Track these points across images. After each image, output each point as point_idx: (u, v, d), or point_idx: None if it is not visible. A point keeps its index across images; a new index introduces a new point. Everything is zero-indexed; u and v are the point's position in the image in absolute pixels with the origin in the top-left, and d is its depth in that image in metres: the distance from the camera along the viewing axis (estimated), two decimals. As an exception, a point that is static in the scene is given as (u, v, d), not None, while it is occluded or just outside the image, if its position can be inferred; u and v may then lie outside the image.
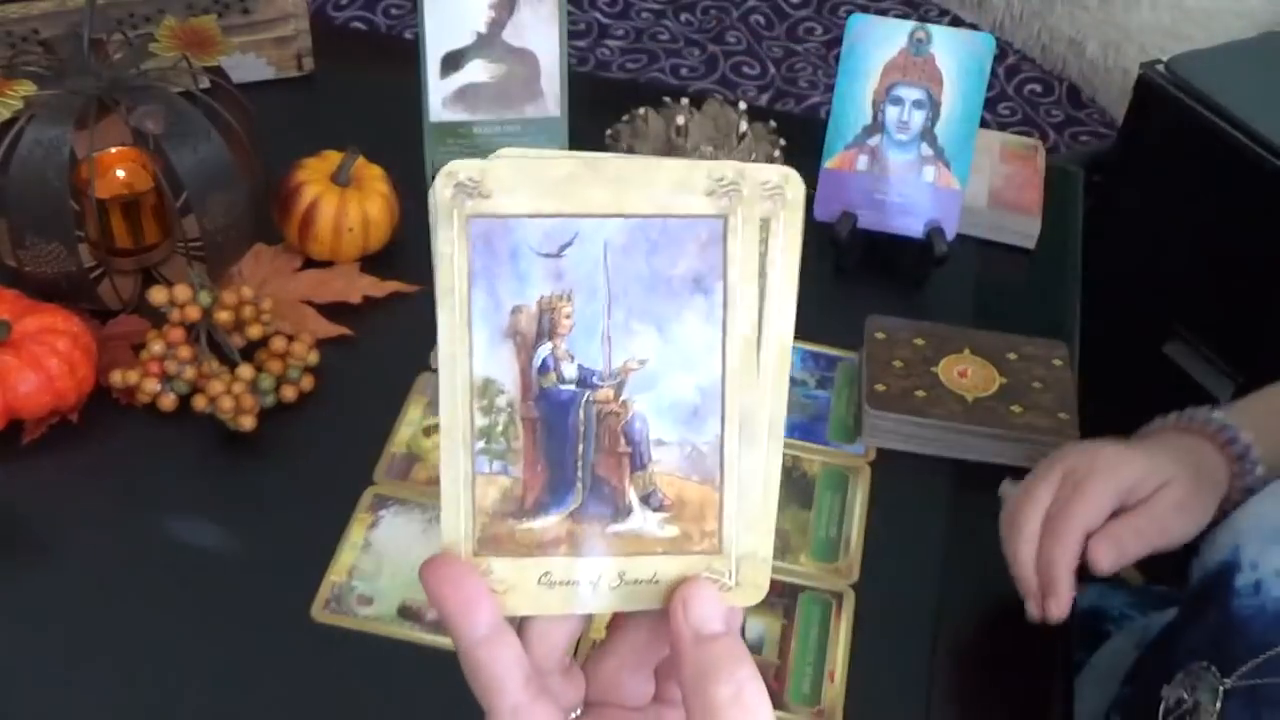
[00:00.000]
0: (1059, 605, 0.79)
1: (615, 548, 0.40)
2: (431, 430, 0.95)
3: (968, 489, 0.95)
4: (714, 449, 0.39)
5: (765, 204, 0.38)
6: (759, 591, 0.40)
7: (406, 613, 0.84)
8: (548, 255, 0.38)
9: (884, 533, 0.92)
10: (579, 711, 0.41)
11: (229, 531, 0.89)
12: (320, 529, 0.88)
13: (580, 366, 0.39)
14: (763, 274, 0.38)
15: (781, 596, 0.87)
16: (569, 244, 0.38)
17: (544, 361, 0.38)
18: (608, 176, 0.37)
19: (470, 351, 0.38)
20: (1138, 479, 0.81)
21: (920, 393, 0.97)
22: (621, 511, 0.40)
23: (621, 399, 0.39)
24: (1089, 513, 0.80)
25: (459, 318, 0.38)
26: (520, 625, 0.40)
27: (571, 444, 0.39)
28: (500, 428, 0.39)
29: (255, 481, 0.92)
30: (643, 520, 0.40)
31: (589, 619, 0.41)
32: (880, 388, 0.98)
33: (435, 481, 0.96)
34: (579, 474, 0.39)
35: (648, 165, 0.37)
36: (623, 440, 0.39)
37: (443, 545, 0.40)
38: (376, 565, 0.86)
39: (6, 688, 0.79)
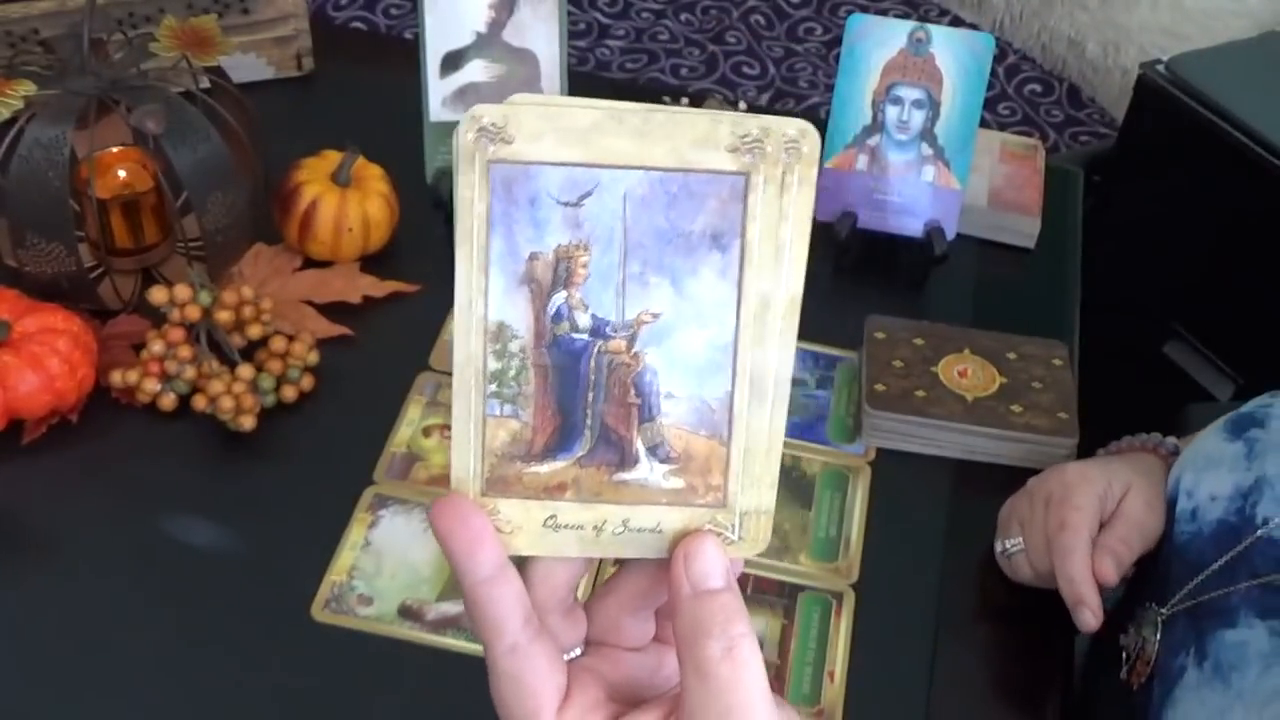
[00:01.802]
0: (1096, 614, 0.81)
1: (620, 496, 0.40)
2: (431, 430, 0.95)
3: (968, 489, 0.95)
4: (723, 405, 0.40)
5: (785, 160, 0.38)
6: (761, 544, 0.41)
7: (406, 613, 0.84)
8: (567, 204, 0.38)
9: (884, 533, 0.92)
10: (580, 650, 0.42)
11: (229, 531, 0.89)
12: (320, 529, 0.88)
13: (594, 316, 0.39)
14: (778, 230, 0.38)
15: (781, 596, 0.87)
16: (589, 193, 0.38)
17: (558, 309, 0.39)
18: (631, 128, 0.37)
19: (486, 295, 0.38)
20: (1105, 484, 0.85)
21: (920, 393, 0.97)
22: (628, 461, 0.40)
23: (633, 351, 0.39)
24: (1087, 520, 0.83)
25: (476, 262, 0.38)
26: (523, 565, 0.41)
27: (582, 392, 0.39)
28: (513, 372, 0.39)
29: (255, 481, 0.92)
30: (649, 471, 0.40)
31: (594, 562, 0.42)
32: (880, 388, 0.98)
33: (435, 481, 0.97)
34: (588, 422, 0.40)
35: (672, 118, 0.37)
36: (632, 391, 0.39)
37: (452, 484, 0.40)
38: (376, 565, 0.86)
39: (7, 687, 0.79)
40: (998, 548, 0.88)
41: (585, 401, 0.40)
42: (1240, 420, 0.84)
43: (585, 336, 0.39)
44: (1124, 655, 0.83)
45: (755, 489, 0.41)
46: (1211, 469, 0.82)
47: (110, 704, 0.79)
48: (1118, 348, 1.60)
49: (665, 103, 1.19)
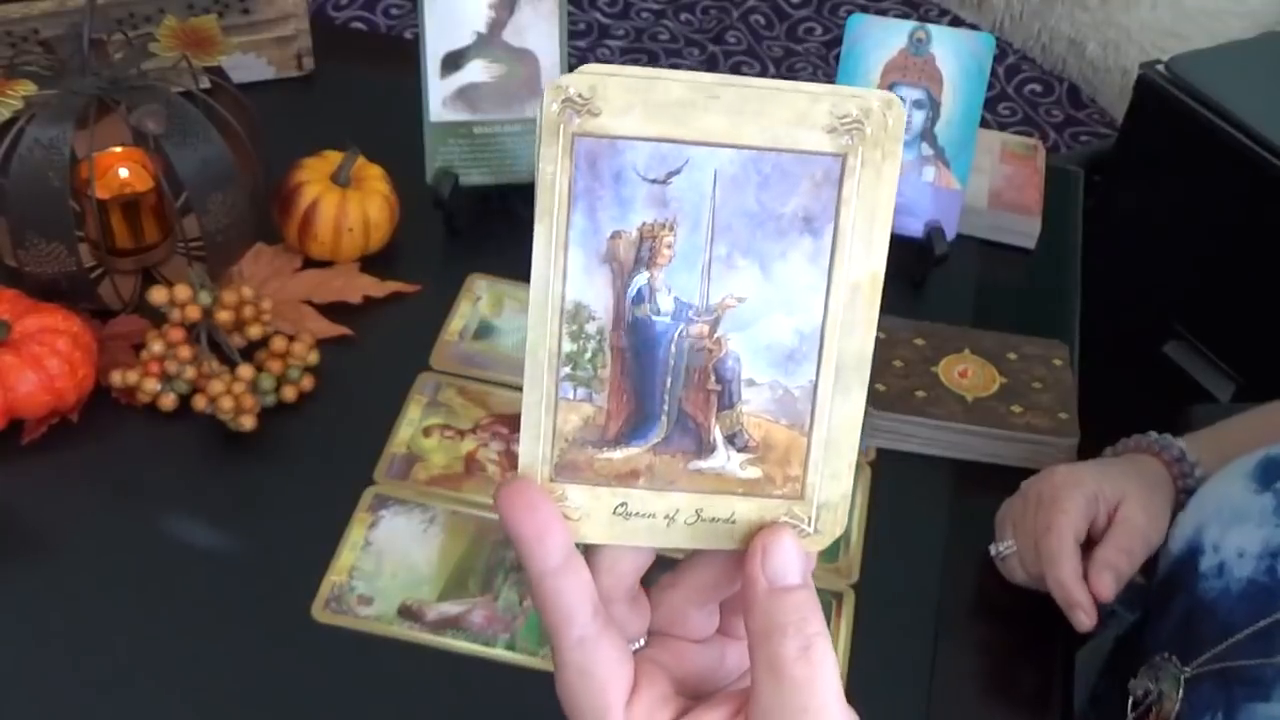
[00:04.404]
0: (1089, 616, 0.81)
1: (695, 484, 0.39)
2: (431, 430, 0.95)
3: (968, 489, 0.95)
4: (806, 394, 0.38)
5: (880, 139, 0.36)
6: (836, 535, 0.40)
7: (406, 613, 0.84)
8: (654, 181, 0.36)
9: (884, 533, 0.92)
10: (643, 641, 0.41)
11: (229, 531, 0.89)
12: (320, 529, 0.88)
13: (676, 299, 0.37)
14: (871, 213, 0.37)
15: (781, 596, 0.87)
16: (677, 171, 0.36)
17: (639, 291, 0.37)
18: (725, 103, 0.36)
19: (564, 274, 0.37)
20: (1095, 487, 0.84)
21: (920, 393, 0.97)
22: (705, 449, 0.39)
23: (716, 335, 0.38)
24: (1073, 523, 0.83)
25: (555, 239, 0.36)
26: (589, 551, 0.40)
27: (660, 377, 0.38)
28: (589, 354, 0.38)
29: (255, 481, 0.92)
30: (726, 459, 0.39)
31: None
32: (880, 388, 0.97)
33: (435, 481, 0.97)
34: (665, 408, 0.38)
35: (767, 94, 0.36)
36: (713, 377, 0.38)
37: (520, 469, 0.39)
38: (376, 565, 0.86)
39: (6, 687, 0.79)
40: (992, 550, 0.88)
41: (663, 387, 0.38)
42: (1269, 468, 0.80)
43: (667, 320, 0.38)
44: (1132, 700, 0.81)
45: (834, 482, 0.39)
46: (1239, 523, 0.79)
47: (110, 704, 0.79)
48: (1118, 348, 1.60)
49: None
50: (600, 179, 0.36)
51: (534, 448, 0.39)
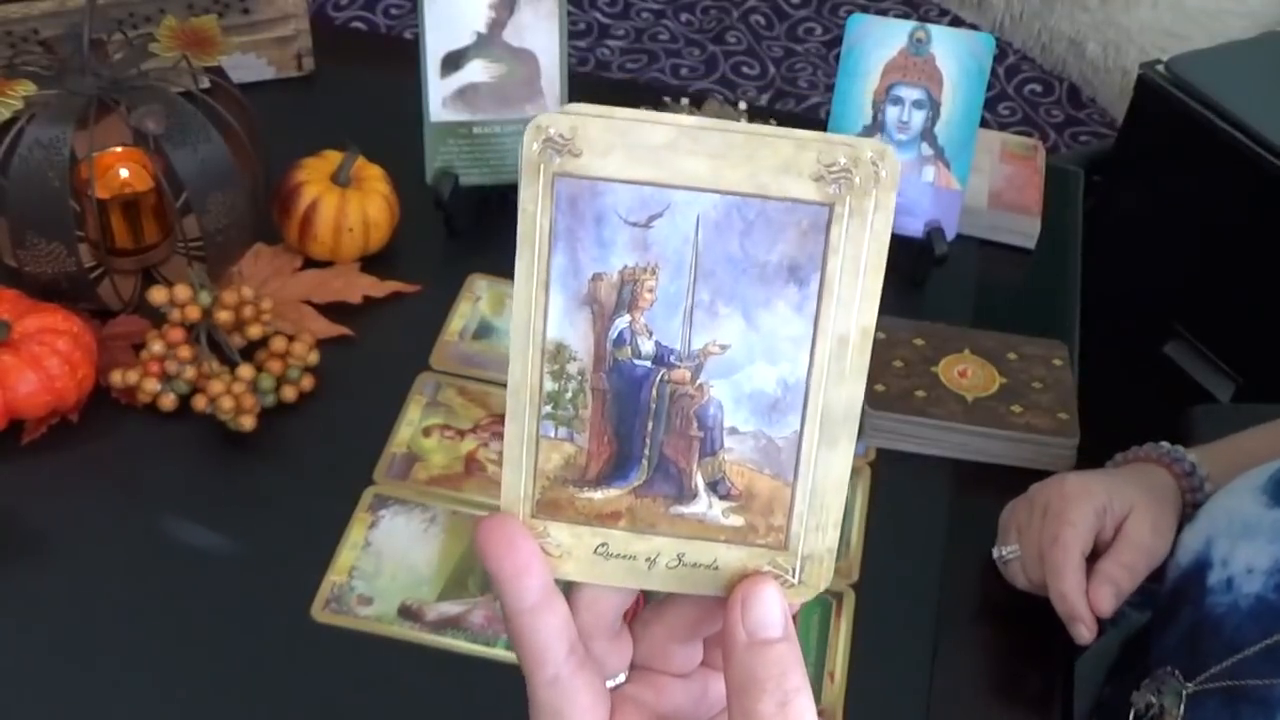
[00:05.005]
0: (1090, 630, 0.81)
1: (677, 529, 0.39)
2: (431, 430, 0.95)
3: (968, 489, 0.95)
4: (791, 445, 0.38)
5: (870, 189, 0.36)
6: (821, 587, 0.39)
7: (406, 613, 0.84)
8: (635, 224, 0.36)
9: (884, 533, 0.92)
10: (624, 676, 0.41)
11: (229, 531, 0.89)
12: (320, 529, 0.88)
13: (658, 343, 0.37)
14: (859, 264, 0.36)
15: (781, 596, 0.87)
16: (659, 215, 0.36)
17: (620, 334, 0.37)
18: (708, 147, 0.35)
19: (545, 314, 0.37)
20: (1105, 499, 0.83)
21: (920, 393, 0.97)
22: (686, 494, 0.38)
23: (698, 382, 0.37)
24: (1080, 537, 0.82)
25: (537, 278, 0.36)
26: (570, 588, 0.39)
27: (641, 420, 0.38)
28: (569, 395, 0.38)
29: (255, 481, 0.92)
30: (708, 506, 0.38)
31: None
32: (880, 388, 0.98)
33: (435, 481, 0.97)
34: (646, 451, 0.38)
35: (752, 139, 0.35)
36: (695, 424, 0.38)
37: (501, 505, 0.39)
38: (376, 565, 0.86)
39: (6, 687, 0.79)
40: (995, 553, 0.88)
41: (644, 430, 0.38)
42: None
43: (648, 364, 0.37)
44: (1133, 713, 0.80)
45: (819, 534, 0.39)
46: (1248, 538, 0.78)
47: (110, 704, 0.79)
48: (1118, 348, 1.60)
49: (665, 103, 1.19)
50: (581, 220, 0.36)
51: (516, 484, 0.39)
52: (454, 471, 0.93)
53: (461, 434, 0.95)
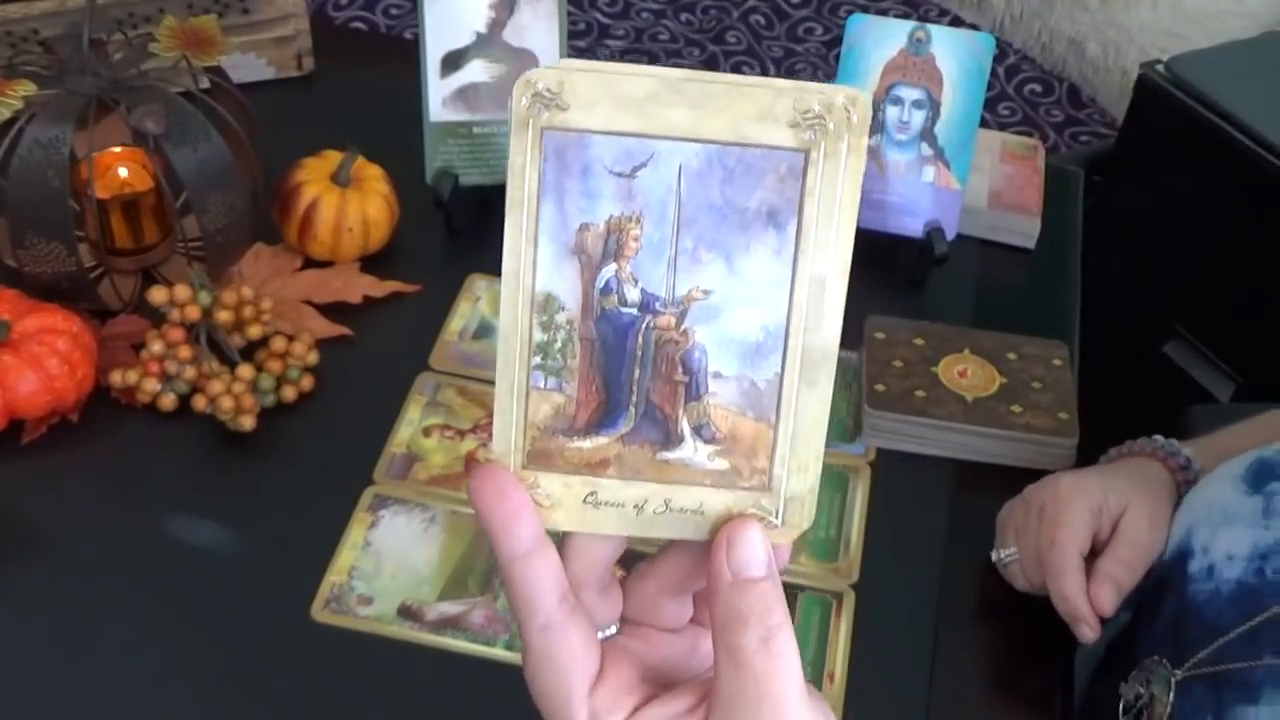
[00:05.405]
0: (1093, 629, 0.82)
1: (663, 475, 0.40)
2: (431, 430, 0.95)
3: (968, 489, 0.95)
4: (772, 387, 0.39)
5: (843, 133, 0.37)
6: (803, 527, 0.40)
7: (406, 613, 0.84)
8: (620, 175, 0.37)
9: (884, 533, 0.92)
10: (615, 629, 0.42)
11: (229, 531, 0.89)
12: (320, 529, 0.88)
13: (643, 291, 0.38)
14: (834, 207, 0.37)
15: (781, 596, 0.87)
16: (643, 165, 0.37)
17: (607, 282, 0.38)
18: (689, 98, 0.36)
19: (534, 265, 0.38)
20: (1100, 497, 0.84)
21: (920, 393, 0.97)
22: (673, 440, 0.39)
23: (683, 328, 0.38)
24: (1077, 537, 0.82)
25: (525, 231, 0.37)
26: (561, 539, 0.40)
27: (628, 368, 0.39)
28: (558, 344, 0.38)
29: (255, 481, 0.92)
30: (693, 450, 0.39)
31: (631, 540, 0.41)
32: (880, 388, 0.97)
33: (435, 481, 0.97)
34: (633, 398, 0.39)
35: (731, 90, 0.36)
36: (680, 369, 0.39)
37: (493, 455, 0.39)
38: (376, 565, 0.86)
39: (6, 686, 0.79)
40: (994, 556, 0.88)
41: (631, 377, 0.39)
42: (1260, 471, 0.80)
43: (634, 311, 0.38)
44: (1123, 704, 0.81)
45: (801, 474, 0.40)
46: (1227, 525, 0.79)
47: (110, 703, 0.79)
48: (1118, 348, 1.60)
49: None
50: (568, 172, 0.37)
51: (506, 436, 0.39)
52: (454, 471, 0.93)
53: (461, 434, 0.95)
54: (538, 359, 0.39)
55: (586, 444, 0.39)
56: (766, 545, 0.39)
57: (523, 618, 0.39)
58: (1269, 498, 0.78)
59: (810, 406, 0.39)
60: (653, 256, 0.38)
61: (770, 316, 0.38)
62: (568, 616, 0.39)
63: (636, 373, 0.39)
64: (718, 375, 0.39)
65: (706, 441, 0.39)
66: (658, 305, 0.38)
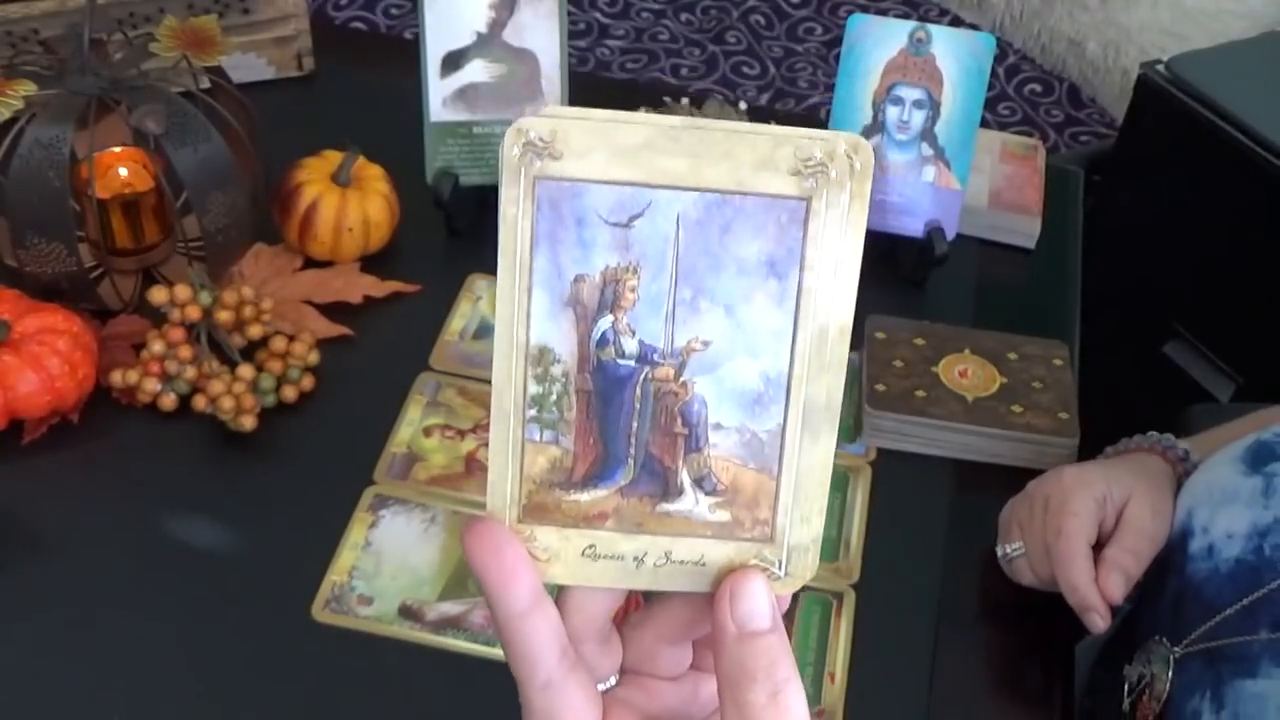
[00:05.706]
0: (1104, 618, 0.81)
1: (663, 527, 0.39)
2: (431, 430, 0.95)
3: (968, 489, 0.95)
4: (774, 438, 0.38)
5: (845, 182, 0.36)
6: (808, 577, 0.40)
7: (406, 613, 0.84)
8: (616, 224, 0.36)
9: (884, 533, 0.92)
10: (615, 679, 0.41)
11: (229, 531, 0.89)
12: (320, 529, 0.88)
13: (641, 342, 0.37)
14: (837, 256, 0.37)
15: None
16: (640, 214, 0.36)
17: (604, 334, 0.37)
18: (686, 146, 0.36)
19: (528, 317, 0.37)
20: (1104, 488, 0.84)
21: (920, 393, 0.97)
22: (672, 492, 0.39)
23: (682, 379, 0.38)
24: (1084, 527, 0.82)
25: (519, 282, 0.36)
26: (559, 591, 0.39)
27: (626, 420, 0.38)
28: (554, 397, 0.38)
29: (255, 481, 0.92)
30: (694, 502, 0.39)
31: (632, 592, 0.40)
32: (880, 388, 0.98)
33: (435, 481, 0.97)
34: (631, 450, 0.38)
35: (730, 136, 0.36)
36: (679, 421, 0.38)
37: (487, 510, 0.39)
38: (376, 565, 0.86)
39: (7, 686, 0.79)
40: (999, 552, 0.88)
41: (629, 430, 0.38)
42: (1260, 452, 0.81)
43: (631, 363, 0.37)
44: (1127, 685, 0.81)
45: (804, 525, 0.39)
46: (1227, 505, 0.80)
47: (110, 703, 0.79)
48: (1118, 348, 1.60)
49: (665, 103, 1.19)
50: (562, 222, 0.36)
51: (502, 489, 0.39)
52: (454, 471, 0.93)
53: (461, 434, 0.95)
54: (533, 411, 0.38)
55: (584, 497, 0.39)
56: (770, 597, 0.38)
57: (522, 677, 0.38)
58: (1268, 478, 0.79)
59: (813, 458, 0.38)
60: (650, 307, 0.37)
61: (771, 367, 0.37)
62: (568, 673, 0.38)
63: (635, 425, 0.38)
64: (718, 426, 0.38)
65: (708, 493, 0.39)
66: (656, 357, 0.37)
